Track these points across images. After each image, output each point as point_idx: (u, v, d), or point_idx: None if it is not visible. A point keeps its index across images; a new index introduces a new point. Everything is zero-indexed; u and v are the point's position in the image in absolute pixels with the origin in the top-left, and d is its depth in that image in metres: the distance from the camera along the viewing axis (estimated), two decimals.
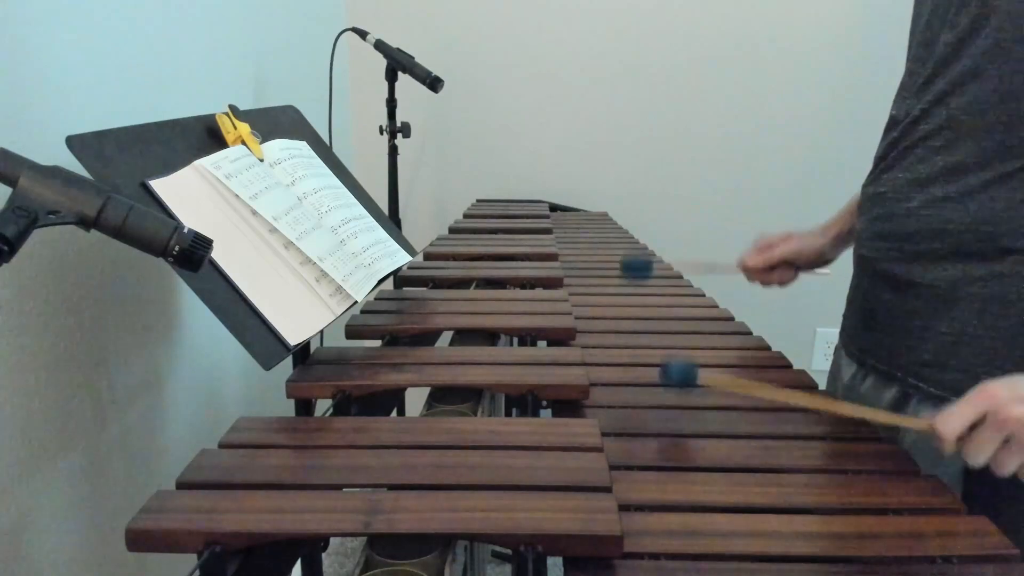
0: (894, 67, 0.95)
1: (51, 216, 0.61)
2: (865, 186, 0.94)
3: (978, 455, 0.67)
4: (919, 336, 0.82)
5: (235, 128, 1.00)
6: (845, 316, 1.00)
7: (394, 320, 1.06)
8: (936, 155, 0.82)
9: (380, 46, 1.78)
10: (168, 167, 0.87)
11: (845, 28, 2.17)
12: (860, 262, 0.95)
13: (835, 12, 2.16)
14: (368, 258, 1.05)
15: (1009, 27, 0.75)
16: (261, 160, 1.00)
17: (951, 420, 0.67)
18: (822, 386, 0.98)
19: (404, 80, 1.82)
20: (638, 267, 1.16)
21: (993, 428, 0.66)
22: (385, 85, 1.89)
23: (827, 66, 2.19)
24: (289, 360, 0.88)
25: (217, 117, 0.99)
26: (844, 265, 1.04)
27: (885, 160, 0.90)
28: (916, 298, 0.84)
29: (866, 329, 0.93)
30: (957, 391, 0.74)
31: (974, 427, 0.67)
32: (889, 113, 0.92)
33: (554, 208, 2.18)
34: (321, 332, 0.91)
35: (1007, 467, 0.67)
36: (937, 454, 0.75)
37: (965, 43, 0.79)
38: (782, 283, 1.12)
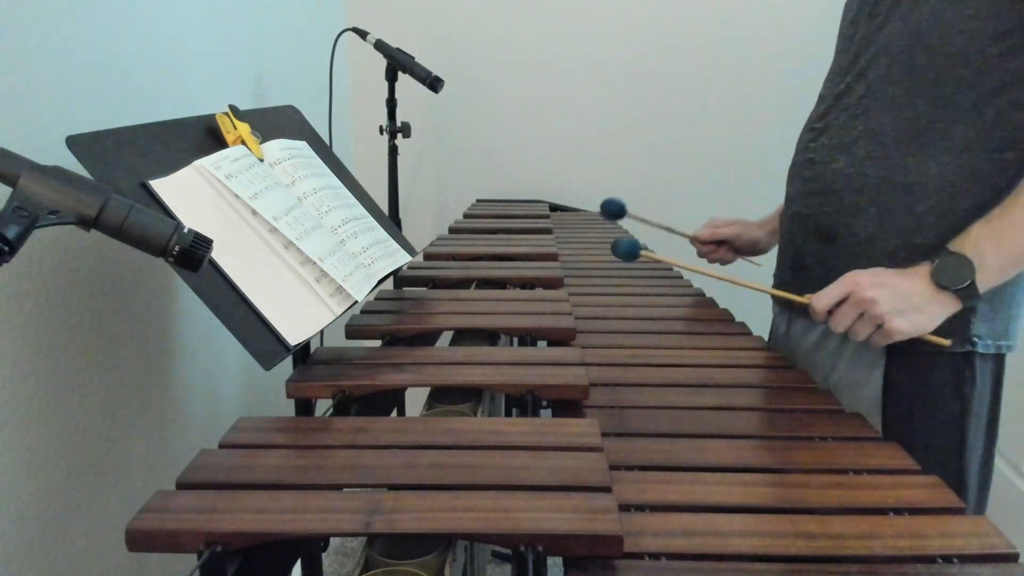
0: None
1: (51, 216, 0.61)
2: (796, 155, 1.09)
3: (839, 325, 0.88)
4: None
5: (235, 128, 1.00)
6: (776, 273, 1.15)
7: (394, 320, 1.06)
8: (856, 121, 0.96)
9: (380, 46, 1.78)
10: (168, 167, 0.87)
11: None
12: (793, 220, 1.08)
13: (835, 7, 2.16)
14: (368, 258, 1.05)
15: (915, 10, 0.90)
16: (261, 160, 1.00)
17: (823, 298, 0.89)
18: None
19: (404, 80, 1.82)
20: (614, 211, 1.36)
21: (853, 305, 0.86)
22: (385, 85, 1.89)
23: (826, 61, 2.18)
24: (289, 360, 0.88)
25: (217, 117, 0.99)
26: None
27: (814, 131, 1.04)
28: (841, 247, 0.99)
29: (796, 277, 1.07)
30: None
31: (840, 304, 0.87)
32: (819, 94, 1.07)
33: (554, 208, 2.18)
34: (321, 332, 0.91)
35: (860, 335, 0.87)
36: (856, 384, 0.98)
37: (882, 27, 0.94)
38: (723, 262, 1.34)
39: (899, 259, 0.92)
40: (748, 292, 1.04)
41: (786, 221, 1.12)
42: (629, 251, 1.17)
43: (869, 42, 0.96)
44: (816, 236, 1.02)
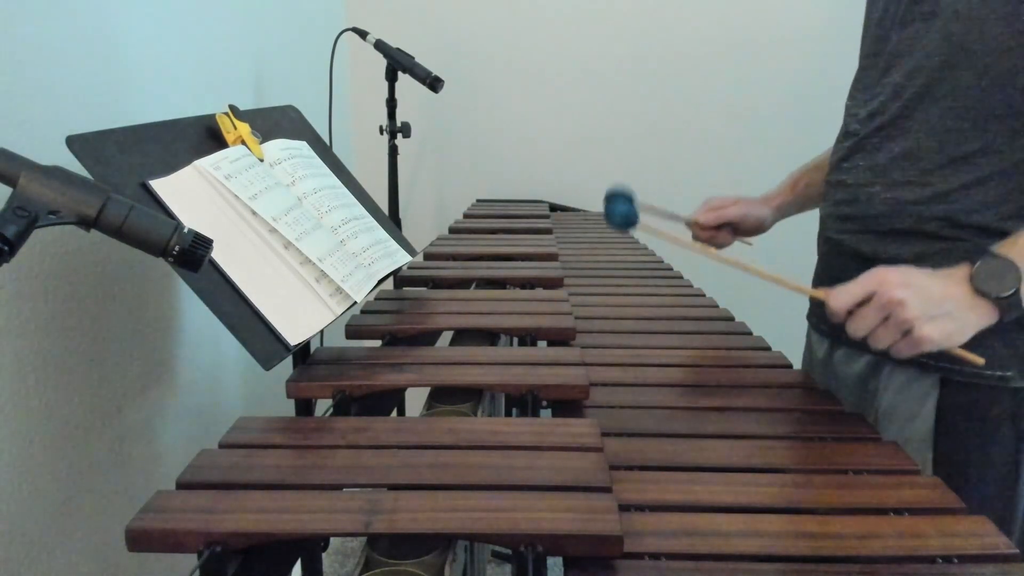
0: None
1: (51, 216, 0.61)
2: (828, 173, 1.01)
3: (859, 328, 0.75)
4: None
5: (235, 128, 1.00)
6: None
7: (394, 320, 1.06)
8: (893, 143, 0.88)
9: (380, 46, 1.78)
10: (168, 167, 0.87)
11: (844, 26, 2.17)
12: (827, 244, 1.01)
13: (834, 11, 2.16)
14: (368, 258, 1.05)
15: (955, 23, 0.81)
16: (261, 160, 1.00)
17: (843, 295, 0.76)
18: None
19: (404, 80, 1.82)
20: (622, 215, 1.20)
21: (876, 307, 0.74)
22: (385, 85, 1.89)
23: (826, 65, 2.18)
24: (289, 360, 0.88)
25: (217, 117, 0.99)
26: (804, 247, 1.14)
27: (847, 150, 0.96)
28: None
29: None
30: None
31: (862, 304, 0.75)
32: (845, 106, 0.99)
33: (554, 208, 2.18)
34: (321, 332, 0.91)
35: (882, 342, 0.75)
36: (906, 416, 0.88)
37: (916, 39, 0.85)
38: (719, 246, 1.19)
39: None
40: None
41: (820, 242, 1.06)
42: (626, 219, 1.08)
43: (902, 54, 0.88)
44: (855, 263, 0.93)
